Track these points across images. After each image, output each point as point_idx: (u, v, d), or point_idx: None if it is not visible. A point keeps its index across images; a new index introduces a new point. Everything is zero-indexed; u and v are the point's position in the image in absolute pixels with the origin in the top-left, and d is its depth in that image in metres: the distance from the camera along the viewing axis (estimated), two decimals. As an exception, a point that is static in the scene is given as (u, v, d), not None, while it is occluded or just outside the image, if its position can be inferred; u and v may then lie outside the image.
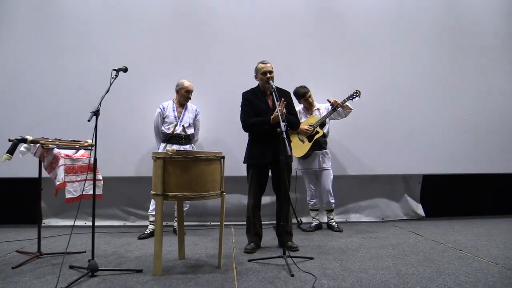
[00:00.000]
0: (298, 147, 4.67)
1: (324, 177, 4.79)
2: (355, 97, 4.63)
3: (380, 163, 5.31)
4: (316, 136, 4.65)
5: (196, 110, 4.70)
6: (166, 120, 4.56)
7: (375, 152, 5.30)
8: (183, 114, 4.58)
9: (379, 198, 5.54)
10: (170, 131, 4.53)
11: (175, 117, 4.55)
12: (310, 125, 4.64)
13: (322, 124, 4.70)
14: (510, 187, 5.81)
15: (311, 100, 4.80)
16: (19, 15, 5.14)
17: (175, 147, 4.47)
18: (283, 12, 5.35)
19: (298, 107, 4.89)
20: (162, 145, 4.58)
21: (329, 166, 4.81)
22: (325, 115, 4.67)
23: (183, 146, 4.54)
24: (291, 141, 4.50)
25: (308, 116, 4.81)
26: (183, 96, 4.57)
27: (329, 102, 4.64)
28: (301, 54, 5.32)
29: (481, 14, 5.70)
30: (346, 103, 4.66)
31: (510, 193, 5.83)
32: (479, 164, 5.48)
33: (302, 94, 4.75)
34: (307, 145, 4.65)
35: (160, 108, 4.61)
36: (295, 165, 4.88)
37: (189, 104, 4.68)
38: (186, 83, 4.58)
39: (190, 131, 4.61)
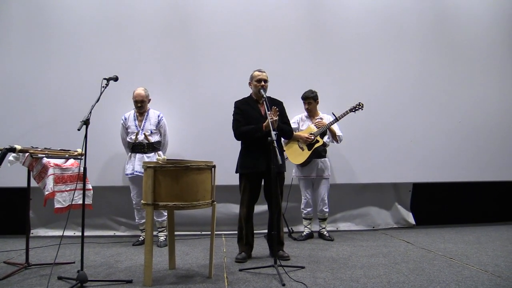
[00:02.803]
0: (298, 155, 4.69)
1: (321, 185, 4.81)
2: (357, 109, 4.66)
3: (371, 171, 5.34)
4: (316, 145, 4.66)
5: (158, 116, 4.64)
6: (128, 130, 4.57)
7: (365, 160, 5.33)
8: (144, 122, 4.55)
9: (370, 207, 5.56)
10: (132, 141, 4.53)
11: (136, 126, 4.54)
12: (310, 134, 4.66)
13: (323, 134, 4.70)
14: (499, 194, 5.87)
15: (311, 108, 4.81)
16: (8, 25, 5.10)
17: (138, 156, 4.49)
18: (275, 19, 5.37)
19: (301, 114, 4.93)
20: (129, 154, 4.61)
21: (328, 175, 4.83)
22: (327, 124, 4.67)
23: (147, 155, 4.51)
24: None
25: (310, 123, 4.82)
26: (135, 106, 4.55)
27: (334, 115, 4.64)
28: (293, 62, 5.34)
29: (472, 23, 5.78)
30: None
31: (500, 200, 5.89)
32: (469, 172, 5.53)
33: (312, 97, 4.77)
34: (306, 153, 4.66)
35: (122, 119, 4.62)
36: (293, 172, 4.91)
37: (152, 110, 4.65)
38: (135, 92, 4.52)
39: (153, 138, 4.57)
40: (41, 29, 5.12)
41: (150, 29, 5.22)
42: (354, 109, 4.67)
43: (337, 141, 4.84)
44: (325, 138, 4.78)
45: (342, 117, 4.65)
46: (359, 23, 5.53)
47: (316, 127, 4.67)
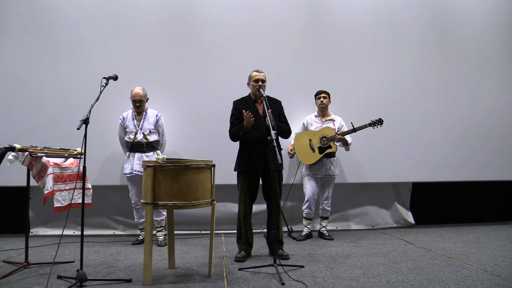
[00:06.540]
0: (308, 155, 4.69)
1: (328, 184, 4.83)
2: (377, 125, 4.62)
3: (370, 171, 5.34)
4: (328, 151, 4.65)
5: (157, 116, 4.62)
6: (127, 129, 4.54)
7: (364, 160, 5.33)
8: (143, 122, 4.53)
9: (369, 206, 5.56)
10: (131, 140, 4.51)
11: (134, 126, 4.52)
12: (323, 137, 4.63)
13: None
14: (498, 194, 5.88)
15: (326, 103, 4.78)
16: (7, 23, 5.09)
17: (137, 155, 4.47)
18: (276, 19, 5.36)
19: (309, 115, 4.92)
20: (127, 154, 4.58)
21: (336, 174, 4.83)
22: (345, 132, 4.65)
23: (146, 154, 4.49)
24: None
25: (322, 122, 4.81)
26: (133, 105, 4.53)
27: (352, 125, 4.60)
28: (293, 62, 5.33)
29: (469, 22, 5.78)
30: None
31: (499, 200, 5.90)
32: (468, 172, 5.53)
33: (326, 91, 4.78)
34: (317, 156, 4.65)
35: (121, 119, 4.60)
36: (302, 171, 4.93)
37: (149, 110, 4.63)
38: (133, 91, 4.48)
39: (152, 138, 4.55)
40: (40, 27, 5.09)
41: (150, 28, 5.20)
42: (373, 124, 4.61)
43: (347, 146, 4.78)
44: (335, 142, 4.75)
45: (360, 129, 4.60)
46: (358, 22, 5.52)
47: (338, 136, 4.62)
